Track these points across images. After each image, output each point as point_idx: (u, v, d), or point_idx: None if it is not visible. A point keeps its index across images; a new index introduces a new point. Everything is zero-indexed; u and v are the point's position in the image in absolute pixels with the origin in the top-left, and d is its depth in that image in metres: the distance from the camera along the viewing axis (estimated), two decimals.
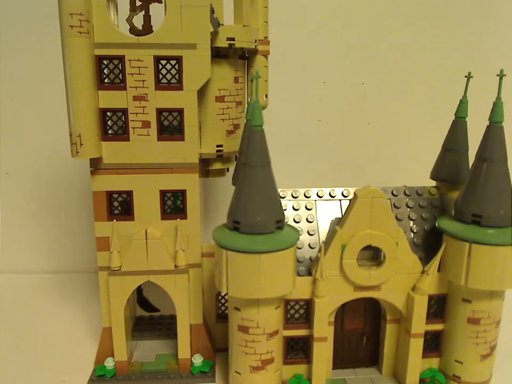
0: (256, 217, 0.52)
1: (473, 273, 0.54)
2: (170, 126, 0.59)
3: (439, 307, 0.61)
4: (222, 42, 0.60)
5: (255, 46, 0.65)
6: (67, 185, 0.96)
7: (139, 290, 0.74)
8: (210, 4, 0.56)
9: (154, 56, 0.56)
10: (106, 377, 0.63)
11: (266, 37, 0.69)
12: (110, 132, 0.59)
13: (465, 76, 0.63)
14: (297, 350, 0.62)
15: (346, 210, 0.58)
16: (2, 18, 0.89)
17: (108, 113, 0.58)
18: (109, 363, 0.63)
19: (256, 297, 0.54)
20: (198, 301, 0.65)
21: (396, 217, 0.62)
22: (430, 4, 0.94)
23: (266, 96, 0.71)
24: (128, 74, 0.56)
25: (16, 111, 0.93)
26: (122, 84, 0.57)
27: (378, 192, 0.55)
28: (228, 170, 0.70)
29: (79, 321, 0.79)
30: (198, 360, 0.65)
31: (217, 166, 0.67)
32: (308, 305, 0.60)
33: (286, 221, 0.57)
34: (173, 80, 0.58)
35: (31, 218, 0.99)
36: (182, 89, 0.57)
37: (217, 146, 0.64)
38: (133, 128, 0.58)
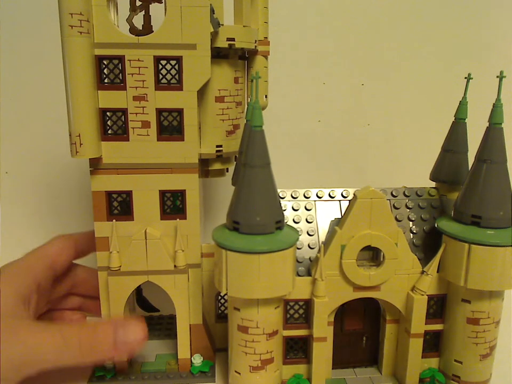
0: (255, 217, 0.52)
1: (472, 273, 0.55)
2: (170, 126, 0.59)
3: (438, 307, 0.61)
4: (222, 43, 0.60)
5: (255, 46, 0.65)
6: (67, 185, 0.96)
7: (138, 290, 0.73)
8: (210, 4, 0.56)
9: (154, 56, 0.56)
10: (106, 377, 0.63)
11: (266, 38, 0.69)
12: (109, 131, 0.59)
13: (465, 77, 0.63)
14: (297, 350, 0.62)
15: (345, 211, 0.58)
16: (3, 19, 0.89)
17: (108, 113, 0.58)
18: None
19: (255, 298, 0.54)
20: (198, 301, 0.65)
21: (396, 218, 0.62)
22: (430, 6, 0.94)
23: (266, 96, 0.71)
24: (128, 74, 0.56)
25: (16, 111, 0.93)
26: (122, 84, 0.57)
27: (377, 193, 0.55)
28: (227, 171, 0.70)
29: None
30: (197, 360, 0.65)
31: (216, 166, 0.67)
32: (308, 305, 0.60)
33: (285, 221, 0.57)
34: (173, 80, 0.58)
35: (30, 217, 0.98)
36: (182, 90, 0.57)
37: (217, 146, 0.64)
38: (133, 128, 0.58)
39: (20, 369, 0.53)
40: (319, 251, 0.57)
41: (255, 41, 0.65)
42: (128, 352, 0.56)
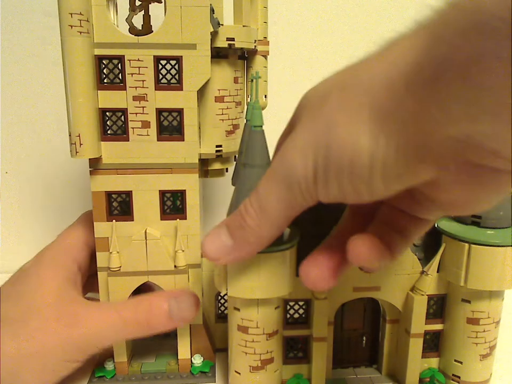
0: None
1: (472, 273, 0.55)
2: (170, 126, 0.59)
3: (438, 307, 0.61)
4: (221, 43, 0.60)
5: (255, 46, 0.65)
6: (67, 185, 0.96)
7: (138, 291, 0.73)
8: (210, 4, 0.56)
9: (154, 56, 0.56)
10: (106, 378, 0.63)
11: (265, 37, 0.69)
12: (109, 132, 0.58)
13: None
14: (297, 349, 0.62)
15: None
16: (2, 18, 0.88)
17: (107, 113, 0.57)
18: (109, 364, 0.63)
19: (255, 298, 0.54)
20: None
21: None
22: (431, 5, 0.94)
23: (265, 96, 0.71)
24: (127, 74, 0.56)
25: (16, 111, 0.93)
26: (122, 84, 0.56)
27: None
28: (227, 171, 0.70)
29: None
30: (198, 360, 0.65)
31: (216, 166, 0.67)
32: (308, 305, 0.60)
33: None
34: (173, 80, 0.57)
35: (30, 217, 0.98)
36: (181, 89, 0.57)
37: (217, 146, 0.64)
38: (133, 128, 0.58)
39: (84, 350, 0.57)
40: None
41: (255, 41, 0.65)
42: (183, 322, 0.62)
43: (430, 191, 0.36)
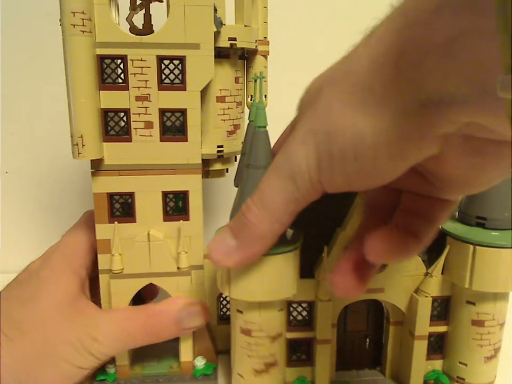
0: None
1: (477, 275, 0.54)
2: (173, 127, 0.58)
3: (442, 309, 0.61)
4: (223, 42, 0.59)
5: (256, 46, 0.65)
6: (67, 185, 0.95)
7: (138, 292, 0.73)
8: (213, 3, 0.55)
9: (157, 56, 0.55)
10: (107, 381, 0.62)
11: (265, 37, 0.69)
12: (111, 132, 0.57)
13: None
14: (300, 352, 0.62)
15: (349, 211, 0.57)
16: (3, 17, 0.88)
17: (110, 114, 0.57)
18: (110, 367, 0.63)
19: (258, 300, 0.53)
20: None
21: None
22: None
23: (265, 96, 0.71)
24: (130, 74, 0.55)
25: (17, 111, 0.92)
26: (124, 84, 0.56)
27: None
28: (227, 171, 0.70)
29: None
30: (200, 362, 0.64)
31: (217, 166, 0.67)
32: (311, 307, 0.60)
33: None
34: (176, 80, 0.57)
35: (31, 218, 0.98)
36: (185, 90, 0.56)
37: (218, 146, 0.64)
38: (135, 128, 0.57)
39: (98, 358, 0.57)
40: (322, 253, 0.57)
41: (256, 41, 0.64)
42: (190, 332, 0.63)
43: (438, 168, 0.35)
